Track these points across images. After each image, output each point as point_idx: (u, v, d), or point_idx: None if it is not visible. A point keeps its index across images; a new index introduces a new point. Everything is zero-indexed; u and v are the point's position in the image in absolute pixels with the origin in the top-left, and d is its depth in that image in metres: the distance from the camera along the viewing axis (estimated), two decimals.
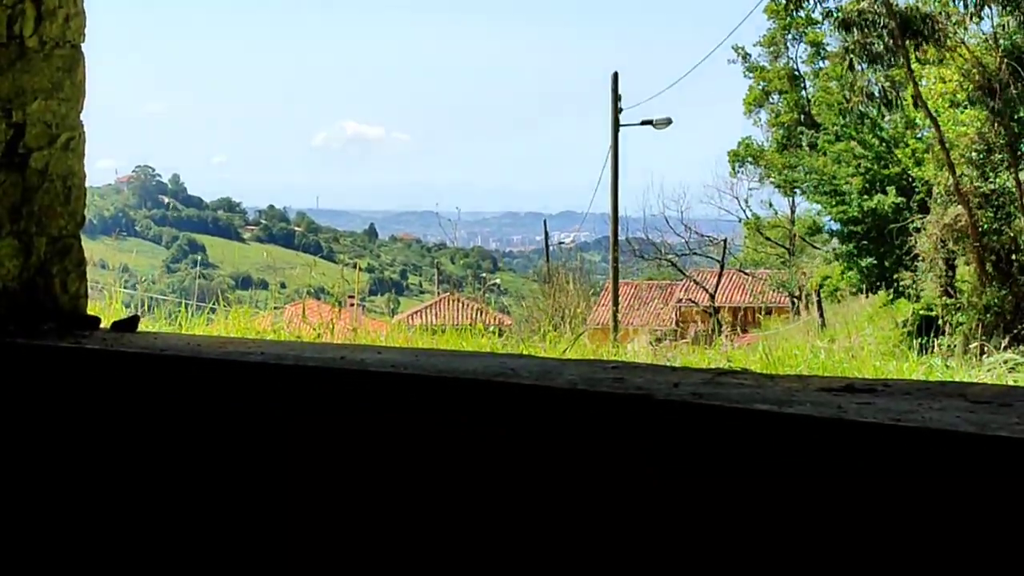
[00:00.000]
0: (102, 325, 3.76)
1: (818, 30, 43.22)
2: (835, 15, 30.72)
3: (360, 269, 21.78)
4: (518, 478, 2.39)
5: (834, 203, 34.29)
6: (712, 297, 44.80)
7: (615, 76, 33.45)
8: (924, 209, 29.83)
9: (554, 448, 2.35)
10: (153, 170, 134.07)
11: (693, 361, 12.08)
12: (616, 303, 32.03)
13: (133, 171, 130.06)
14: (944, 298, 28.46)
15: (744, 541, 2.09)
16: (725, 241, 49.01)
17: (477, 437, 2.48)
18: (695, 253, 49.80)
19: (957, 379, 9.43)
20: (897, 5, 29.13)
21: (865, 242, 33.28)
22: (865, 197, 32.73)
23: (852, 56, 30.91)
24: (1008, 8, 28.29)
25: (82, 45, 3.84)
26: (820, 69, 43.46)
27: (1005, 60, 28.19)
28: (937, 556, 1.88)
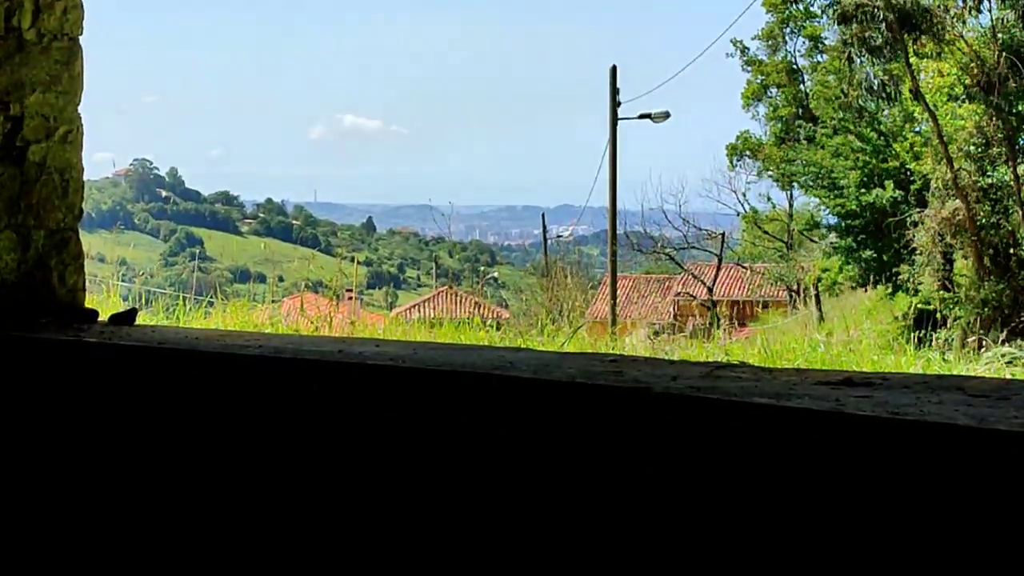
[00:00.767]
0: (100, 318, 3.76)
1: (817, 24, 43.21)
2: (834, 9, 30.69)
3: (358, 263, 21.77)
4: (518, 472, 2.39)
5: (832, 197, 34.25)
6: (710, 291, 44.77)
7: (613, 70, 33.41)
8: (922, 203, 29.81)
9: (554, 442, 2.35)
10: (151, 163, 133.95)
11: (691, 355, 12.06)
12: (614, 297, 32.05)
13: (131, 164, 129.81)
14: (942, 292, 28.46)
15: (742, 532, 2.09)
16: (723, 235, 48.96)
17: (477, 436, 2.49)
18: (693, 247, 49.74)
19: (955, 373, 9.43)
20: None
21: (863, 236, 33.25)
22: (863, 191, 32.70)
23: (851, 50, 30.88)
24: (1007, 2, 28.27)
25: (80, 38, 3.83)
26: (818, 63, 43.39)
27: (1004, 54, 28.16)
28: (934, 547, 1.88)
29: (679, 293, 46.52)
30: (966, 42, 28.95)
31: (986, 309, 26.93)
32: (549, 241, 47.35)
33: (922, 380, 2.33)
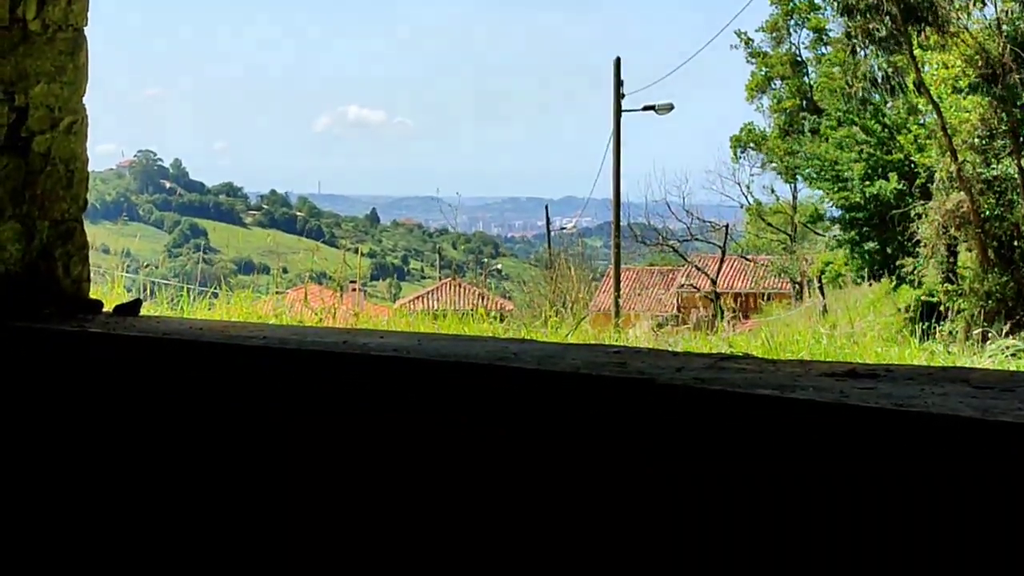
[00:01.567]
0: (104, 309, 3.76)
1: (821, 16, 43.09)
2: (838, 1, 30.61)
3: (362, 254, 21.77)
4: (521, 463, 2.39)
5: (836, 189, 34.20)
6: (714, 283, 44.75)
7: (617, 62, 33.34)
8: (926, 195, 29.76)
9: (559, 434, 2.35)
10: (155, 155, 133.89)
11: (695, 346, 12.06)
12: (618, 288, 32.01)
13: (135, 156, 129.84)
14: (946, 284, 28.42)
15: (745, 525, 2.09)
16: (727, 227, 48.91)
17: (480, 429, 2.48)
18: (696, 239, 49.69)
19: (959, 365, 9.42)
20: None
21: (867, 228, 33.21)
22: (867, 183, 32.65)
23: (855, 42, 30.84)
24: None
25: (85, 28, 3.83)
26: (823, 55, 43.32)
27: (1008, 46, 28.09)
28: (939, 539, 1.88)
29: (683, 285, 46.49)
30: (971, 34, 28.88)
31: (990, 302, 26.91)
32: (553, 233, 47.31)
33: (926, 372, 2.33)
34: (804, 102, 44.21)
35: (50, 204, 3.73)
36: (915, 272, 29.96)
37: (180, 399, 2.98)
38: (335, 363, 2.77)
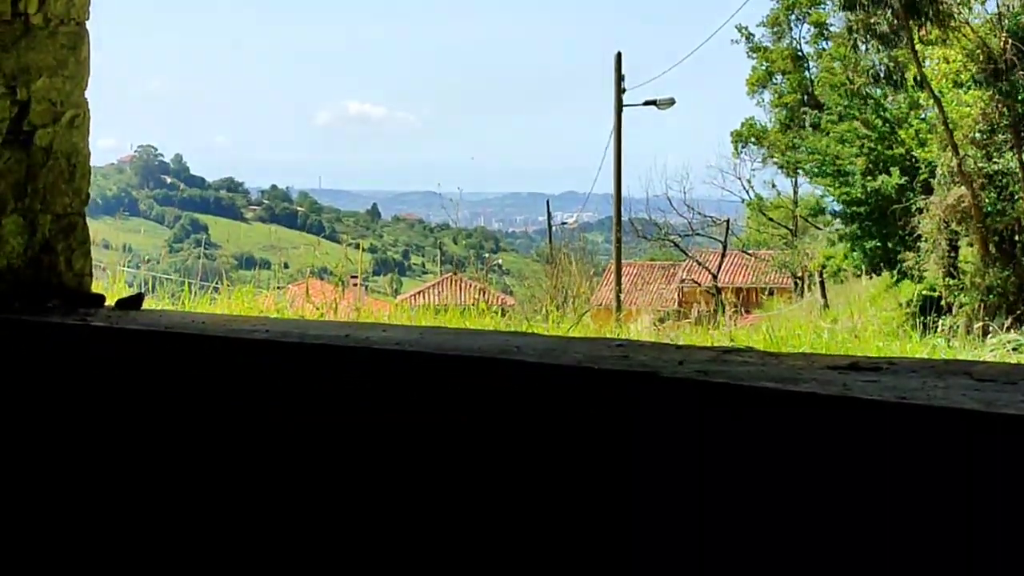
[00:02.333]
0: (107, 303, 3.76)
1: (822, 10, 43.07)
2: None
3: (363, 249, 21.78)
4: (524, 457, 2.39)
5: (837, 184, 34.18)
6: (715, 277, 44.74)
7: (618, 56, 33.32)
8: (927, 190, 29.76)
9: (560, 424, 2.35)
10: (155, 150, 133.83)
11: (697, 341, 12.06)
12: (619, 283, 32.05)
13: (135, 151, 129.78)
14: (947, 279, 28.44)
15: (753, 507, 2.10)
16: (728, 222, 48.92)
17: (483, 421, 2.49)
18: (698, 234, 49.73)
19: (961, 358, 9.40)
20: None
21: (868, 223, 33.18)
22: (868, 178, 32.62)
23: (856, 36, 30.84)
24: None
25: (87, 22, 3.83)
26: (823, 50, 43.28)
27: (1010, 41, 28.11)
28: (942, 529, 1.88)
29: (684, 280, 46.45)
30: (972, 28, 28.90)
31: (991, 296, 26.92)
32: (554, 228, 47.32)
33: (929, 365, 2.33)
34: (805, 97, 44.19)
35: (52, 198, 3.73)
36: (916, 267, 29.96)
37: (182, 392, 2.99)
38: (337, 357, 2.77)
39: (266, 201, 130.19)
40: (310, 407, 2.75)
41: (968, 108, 28.80)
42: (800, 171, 43.07)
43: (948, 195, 28.27)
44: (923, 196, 29.67)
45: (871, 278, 34.36)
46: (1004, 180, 28.22)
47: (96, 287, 4.02)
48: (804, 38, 45.96)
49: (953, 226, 28.45)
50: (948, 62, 29.72)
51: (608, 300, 31.14)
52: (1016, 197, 27.85)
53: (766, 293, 43.12)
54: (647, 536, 2.21)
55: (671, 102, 34.50)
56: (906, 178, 31.76)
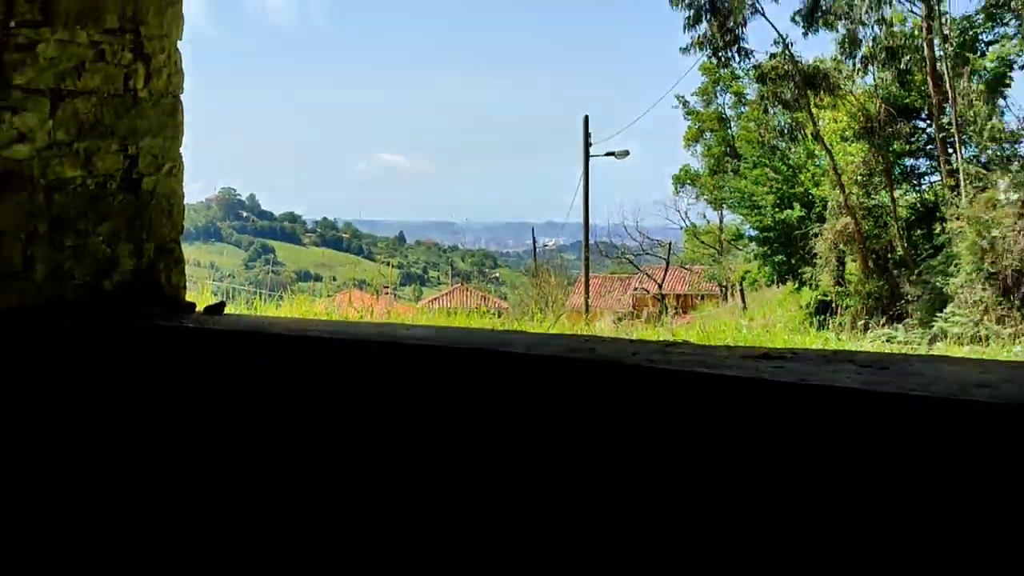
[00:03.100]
0: (197, 309, 3.75)
1: (740, 83, 43.13)
2: (754, 71, 30.76)
3: (392, 266, 21.77)
4: (521, 436, 2.38)
5: (753, 215, 34.20)
6: (660, 287, 44.79)
7: (586, 119, 33.57)
8: (822, 219, 29.88)
9: (544, 403, 2.34)
10: (235, 191, 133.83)
11: (647, 335, 12.07)
12: (587, 292, 32.03)
13: (219, 191, 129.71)
14: (836, 287, 28.55)
15: (691, 477, 2.08)
16: (670, 244, 49.08)
17: (483, 398, 2.47)
18: (647, 253, 49.85)
19: (847, 349, 9.42)
20: (801, 63, 29.20)
21: (776, 244, 33.21)
22: (777, 210, 32.69)
23: (766, 102, 31.01)
24: (885, 66, 28.49)
25: (181, 95, 3.82)
26: (742, 112, 43.39)
27: (883, 105, 28.42)
28: (836, 488, 1.88)
29: (636, 288, 46.51)
30: (855, 96, 29.14)
31: (870, 300, 27.05)
32: (538, 249, 47.33)
33: (822, 354, 2.33)
34: (728, 149, 44.21)
35: (155, 230, 3.72)
36: (813, 278, 30.02)
37: (256, 380, 2.97)
38: (372, 349, 2.76)
39: (319, 229, 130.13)
40: (354, 378, 2.73)
41: (852, 157, 29.03)
42: (724, 205, 43.11)
43: (837, 223, 28.43)
44: (818, 224, 29.75)
45: (779, 286, 34.37)
46: (879, 212, 28.46)
47: (189, 296, 4.01)
48: (727, 104, 46.02)
49: (841, 247, 28.59)
50: (836, 122, 29.93)
51: (579, 304, 31.12)
52: (888, 224, 28.06)
53: (699, 299, 43.16)
54: (646, 530, 2.19)
55: (626, 153, 34.56)
56: (805, 210, 31.82)
